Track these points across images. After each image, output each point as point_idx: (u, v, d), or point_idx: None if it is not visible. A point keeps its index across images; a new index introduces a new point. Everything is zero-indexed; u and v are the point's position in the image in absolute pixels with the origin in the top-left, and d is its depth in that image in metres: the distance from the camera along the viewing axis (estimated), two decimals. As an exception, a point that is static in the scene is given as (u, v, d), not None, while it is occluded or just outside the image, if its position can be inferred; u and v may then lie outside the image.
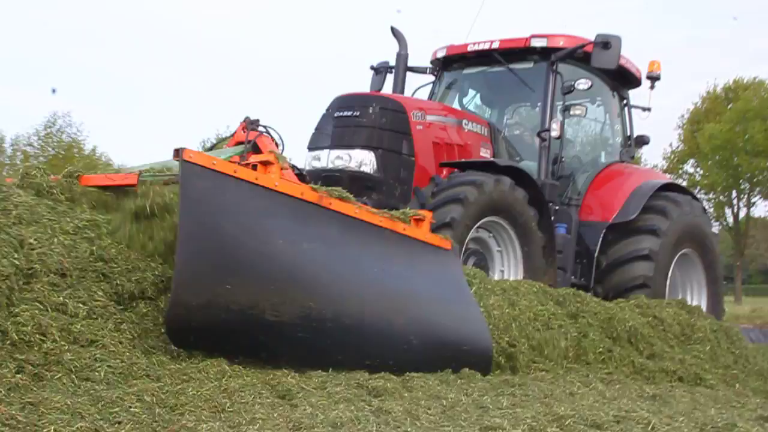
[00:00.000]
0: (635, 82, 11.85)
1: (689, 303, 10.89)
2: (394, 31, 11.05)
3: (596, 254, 10.56)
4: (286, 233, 5.60)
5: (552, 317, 7.51)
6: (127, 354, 4.74)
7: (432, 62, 11.92)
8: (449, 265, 6.78)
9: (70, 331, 4.73)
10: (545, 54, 10.62)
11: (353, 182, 8.91)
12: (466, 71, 11.67)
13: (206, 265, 5.11)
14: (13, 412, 3.70)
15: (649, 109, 11.89)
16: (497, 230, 9.13)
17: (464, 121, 10.33)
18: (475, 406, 5.06)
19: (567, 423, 4.52)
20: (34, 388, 4.09)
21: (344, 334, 5.64)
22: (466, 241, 8.64)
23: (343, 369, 5.45)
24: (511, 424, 4.36)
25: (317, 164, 9.42)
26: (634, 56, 11.47)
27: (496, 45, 10.91)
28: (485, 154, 10.26)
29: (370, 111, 9.42)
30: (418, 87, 11.94)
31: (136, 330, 5.16)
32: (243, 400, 4.44)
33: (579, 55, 10.48)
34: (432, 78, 12.00)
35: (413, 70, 11.84)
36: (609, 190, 11.05)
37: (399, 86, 11.19)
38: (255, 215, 5.52)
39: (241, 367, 5.07)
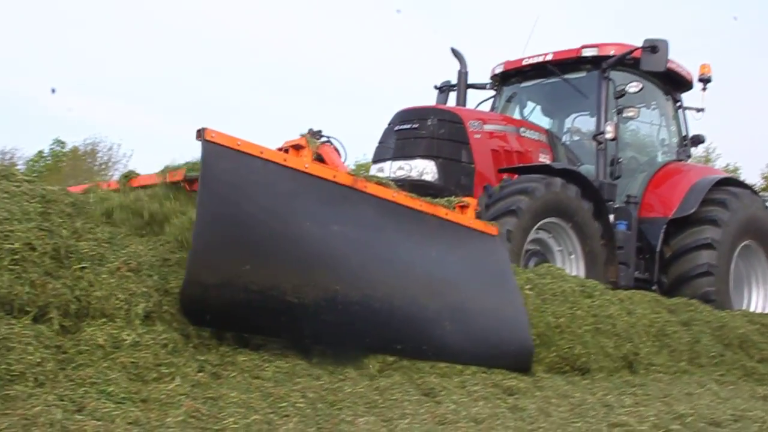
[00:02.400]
0: (687, 85, 11.40)
1: (753, 294, 10.67)
2: (455, 52, 10.88)
3: (658, 248, 10.10)
4: (314, 215, 5.12)
5: (666, 324, 7.39)
6: (291, 356, 4.83)
7: (491, 78, 11.60)
8: (493, 251, 6.21)
9: (241, 336, 4.84)
10: (597, 62, 10.30)
11: (415, 191, 8.30)
12: (524, 84, 11.35)
13: (224, 246, 4.67)
14: (198, 405, 3.85)
15: (702, 110, 11.42)
16: (556, 230, 8.78)
17: (522, 129, 10.06)
18: (600, 404, 5.05)
19: (688, 421, 4.48)
20: (214, 385, 4.22)
21: (373, 317, 5.14)
22: (525, 245, 8.29)
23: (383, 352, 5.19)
24: (637, 421, 4.35)
25: (381, 175, 8.81)
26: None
27: (549, 57, 10.62)
28: (544, 160, 9.93)
29: (429, 123, 9.21)
30: (479, 102, 11.72)
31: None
32: (393, 397, 4.51)
33: (629, 62, 10.11)
34: (492, 93, 11.71)
35: (474, 86, 11.56)
36: (668, 187, 10.61)
37: (461, 102, 11.00)
38: (281, 197, 5.05)
39: (390, 368, 5.09)
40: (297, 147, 5.37)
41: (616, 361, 6.45)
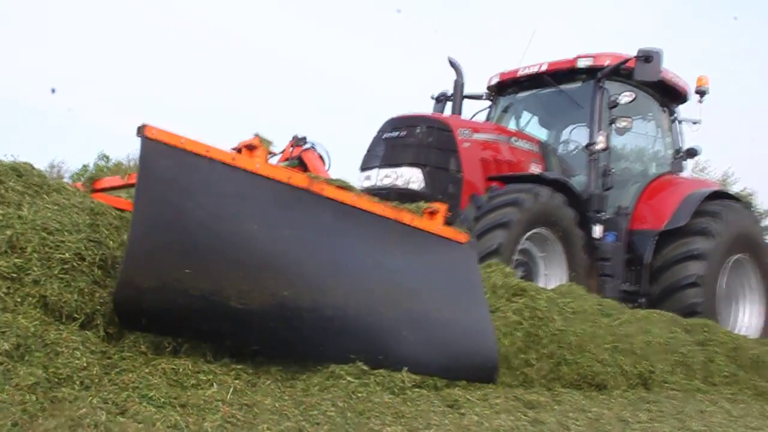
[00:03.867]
0: (683, 97, 11.11)
1: (745, 309, 10.34)
2: (452, 62, 10.59)
3: (649, 261, 9.77)
4: (264, 218, 4.68)
5: (682, 343, 7.32)
6: (322, 367, 4.81)
7: (488, 88, 11.31)
8: (461, 259, 5.67)
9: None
10: (592, 73, 9.99)
11: (401, 199, 7.76)
12: (520, 95, 11.03)
13: (162, 248, 4.25)
14: (234, 411, 3.86)
15: (699, 122, 11.10)
16: (540, 239, 8.48)
17: (513, 139, 9.74)
18: (616, 419, 5.01)
19: (701, 438, 4.42)
20: (249, 392, 4.22)
21: (325, 325, 4.72)
22: (514, 256, 8.03)
23: (334, 360, 4.75)
24: (652, 436, 4.30)
25: (367, 183, 8.91)
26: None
27: (544, 68, 10.33)
28: (535, 169, 9.57)
29: (417, 131, 8.89)
30: (475, 113, 11.44)
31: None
32: (419, 408, 4.47)
33: (625, 72, 9.82)
34: (489, 103, 11.45)
35: (470, 97, 11.27)
36: (660, 199, 10.27)
37: (457, 112, 10.69)
38: (228, 198, 4.60)
39: (416, 378, 4.98)
40: (250, 147, 4.92)
41: (631, 379, 6.40)
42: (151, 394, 3.84)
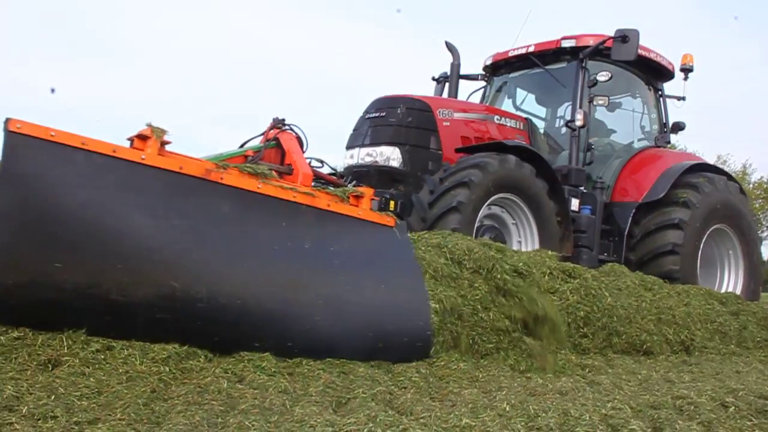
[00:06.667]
0: (668, 74, 10.69)
1: (725, 276, 10.11)
2: (448, 45, 10.44)
3: (626, 232, 9.44)
4: (149, 209, 4.23)
5: (718, 314, 7.46)
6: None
7: (483, 69, 11.03)
8: (388, 242, 5.13)
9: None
10: (575, 53, 9.65)
11: (381, 176, 8.04)
12: (512, 75, 10.68)
13: (26, 243, 3.89)
14: (333, 378, 4.12)
15: (683, 98, 10.70)
16: (510, 206, 8.10)
17: (496, 117, 9.35)
18: (663, 380, 5.18)
19: (740, 395, 4.56)
20: (345, 361, 4.49)
21: (220, 314, 4.26)
22: (477, 218, 7.64)
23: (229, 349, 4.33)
24: (696, 394, 4.45)
25: (350, 161, 8.70)
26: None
27: (531, 49, 10.05)
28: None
29: (398, 111, 8.59)
30: (471, 92, 11.20)
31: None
32: (491, 373, 4.69)
33: (606, 52, 9.41)
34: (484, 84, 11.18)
35: (467, 77, 11.01)
36: (642, 173, 9.90)
37: (453, 92, 10.48)
38: (107, 190, 4.15)
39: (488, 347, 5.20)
40: (142, 137, 4.52)
41: (675, 345, 6.59)
42: (263, 364, 4.13)
